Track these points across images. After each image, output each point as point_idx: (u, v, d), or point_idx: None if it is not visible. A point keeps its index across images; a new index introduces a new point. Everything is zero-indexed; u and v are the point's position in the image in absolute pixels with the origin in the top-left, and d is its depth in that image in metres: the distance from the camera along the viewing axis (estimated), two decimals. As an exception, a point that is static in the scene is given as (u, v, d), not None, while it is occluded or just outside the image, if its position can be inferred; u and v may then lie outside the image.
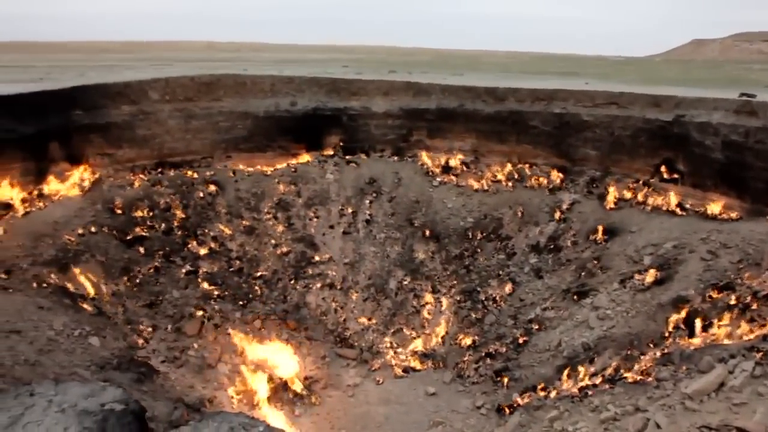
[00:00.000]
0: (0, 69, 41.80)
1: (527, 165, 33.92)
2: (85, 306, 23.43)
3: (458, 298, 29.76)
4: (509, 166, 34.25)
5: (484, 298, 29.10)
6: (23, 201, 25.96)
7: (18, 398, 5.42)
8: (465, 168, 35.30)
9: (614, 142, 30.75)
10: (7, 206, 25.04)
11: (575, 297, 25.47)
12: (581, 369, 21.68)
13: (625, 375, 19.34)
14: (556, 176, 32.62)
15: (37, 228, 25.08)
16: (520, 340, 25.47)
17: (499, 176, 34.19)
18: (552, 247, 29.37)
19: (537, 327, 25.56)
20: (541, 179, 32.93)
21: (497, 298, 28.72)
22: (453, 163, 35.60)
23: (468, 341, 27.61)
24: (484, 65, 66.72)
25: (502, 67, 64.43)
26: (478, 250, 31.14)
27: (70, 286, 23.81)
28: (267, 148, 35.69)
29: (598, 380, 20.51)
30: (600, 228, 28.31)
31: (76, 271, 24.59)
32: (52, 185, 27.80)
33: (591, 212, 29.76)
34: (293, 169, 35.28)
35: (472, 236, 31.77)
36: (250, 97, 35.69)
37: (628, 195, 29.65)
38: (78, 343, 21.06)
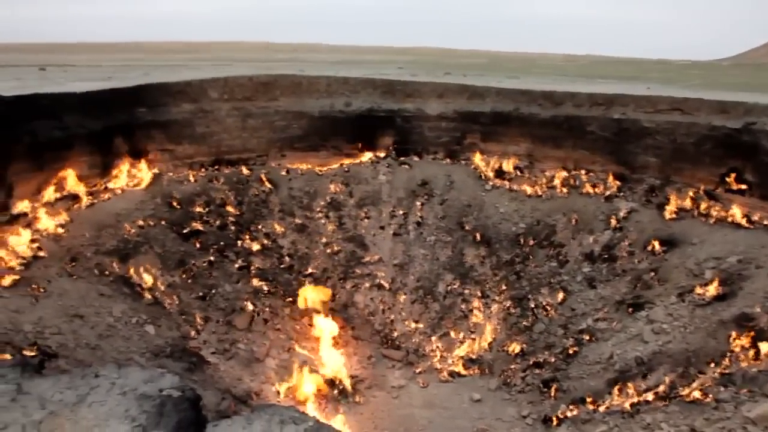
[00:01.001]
0: (72, 68, 43.87)
1: (583, 171, 33.11)
2: (142, 295, 24.33)
3: (507, 305, 29.32)
4: (564, 172, 33.50)
5: (534, 306, 28.56)
6: (88, 193, 27.12)
7: (84, 379, 5.68)
8: (518, 173, 34.78)
9: (676, 149, 29.63)
10: (75, 197, 26.23)
11: (629, 309, 24.70)
12: (633, 384, 21.02)
13: (681, 393, 18.64)
14: (613, 184, 31.70)
15: (101, 219, 26.19)
16: (570, 351, 24.89)
17: (554, 182, 33.49)
18: (606, 256, 28.57)
19: (588, 338, 24.91)
20: (597, 186, 32.08)
21: (548, 306, 28.13)
22: (506, 167, 35.12)
23: (516, 349, 27.15)
24: (540, 68, 65.59)
25: (560, 70, 63.17)
26: (530, 257, 30.60)
27: (129, 275, 24.76)
28: (321, 148, 36.14)
29: (650, 397, 19.85)
30: (658, 238, 27.36)
31: (135, 261, 25.52)
32: (115, 179, 28.95)
33: (649, 222, 28.79)
34: (346, 169, 35.62)
35: (523, 242, 31.26)
36: (305, 97, 36.23)
37: (689, 205, 28.53)
38: (135, 331, 21.92)
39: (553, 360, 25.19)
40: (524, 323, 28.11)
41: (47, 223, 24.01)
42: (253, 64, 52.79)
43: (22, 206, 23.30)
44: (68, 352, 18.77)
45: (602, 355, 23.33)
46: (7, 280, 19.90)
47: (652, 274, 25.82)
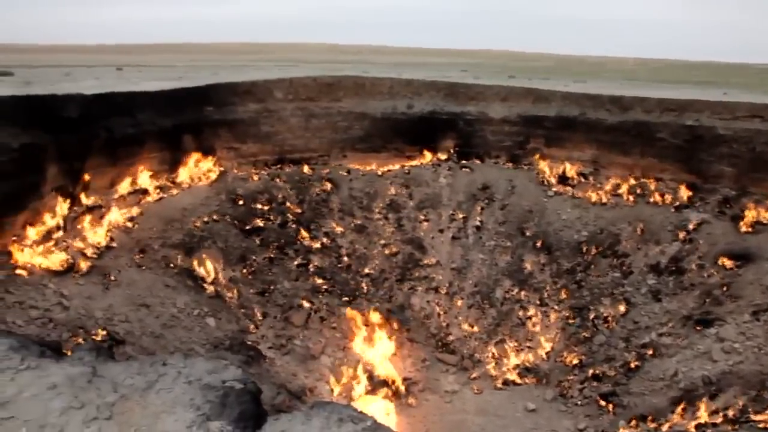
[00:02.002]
0: (147, 68, 45.83)
1: (651, 180, 31.81)
2: (204, 288, 25.11)
3: (567, 314, 28.55)
4: (631, 180, 32.30)
5: (594, 317, 27.70)
6: (157, 188, 28.23)
7: (153, 366, 5.92)
8: (583, 179, 33.83)
9: (755, 159, 28.01)
10: (145, 191, 27.37)
11: (697, 325, 23.56)
12: (700, 404, 20.04)
13: (754, 418, 17.63)
14: (684, 193, 30.31)
15: (168, 213, 27.21)
16: (632, 365, 23.98)
17: (620, 190, 32.35)
18: (674, 268, 27.36)
19: (651, 353, 23.93)
20: (666, 196, 30.78)
21: (609, 317, 27.21)
22: (570, 173, 34.22)
23: (574, 360, 26.40)
24: (609, 72, 63.66)
25: (630, 74, 61.13)
26: (592, 266, 29.68)
27: (193, 268, 25.60)
28: (382, 150, 36.29)
29: (719, 419, 18.92)
30: (731, 252, 25.98)
31: (199, 255, 26.37)
32: (183, 174, 30.01)
33: (722, 234, 27.38)
34: (406, 171, 35.62)
35: (585, 251, 30.35)
36: (368, 98, 36.48)
37: (767, 218, 26.95)
38: (196, 322, 22.68)
39: (613, 374, 24.35)
40: (584, 334, 27.30)
41: (119, 215, 25.14)
42: (317, 65, 53.67)
43: (96, 199, 24.47)
44: (134, 339, 19.61)
45: (666, 372, 22.38)
46: (83, 268, 20.96)
47: (724, 289, 24.55)
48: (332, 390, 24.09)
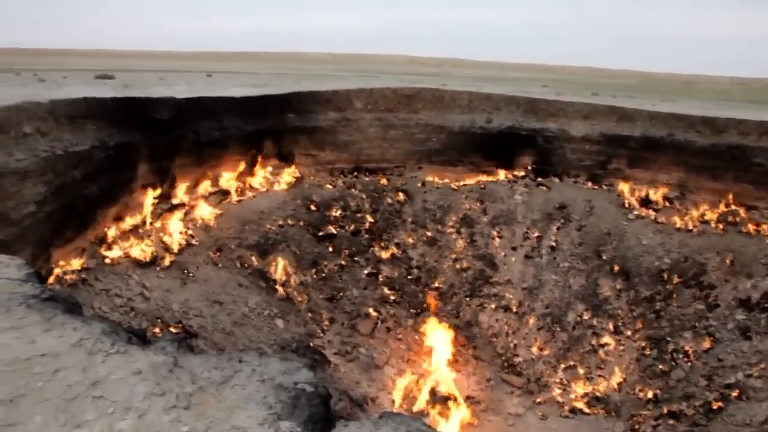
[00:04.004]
0: (234, 75, 47.77)
1: (744, 208, 29.85)
2: (276, 290, 25.71)
3: (643, 345, 27.16)
4: (722, 207, 30.43)
5: (673, 350, 26.18)
6: (237, 190, 29.23)
7: (230, 362, 6.07)
8: (667, 203, 32.19)
9: None
10: (226, 193, 28.41)
11: (792, 368, 21.81)
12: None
13: None
14: (781, 225, 28.25)
15: (246, 215, 28.11)
16: (714, 406, 22.43)
17: (708, 217, 30.55)
18: (767, 305, 25.49)
19: (736, 394, 22.30)
20: (761, 226, 28.76)
21: (690, 352, 25.63)
22: (654, 196, 32.65)
23: (648, 394, 25.02)
24: (701, 92, 60.61)
25: (724, 94, 57.96)
26: (673, 296, 28.12)
27: (266, 270, 26.28)
28: (458, 163, 36.02)
29: (813, 472, 17.36)
30: (834, 292, 23.94)
31: (273, 257, 27.05)
32: (261, 178, 30.94)
33: (824, 272, 25.30)
34: (482, 186, 35.14)
35: (667, 279, 28.81)
36: (447, 111, 36.33)
37: None
38: (266, 322, 23.25)
39: (692, 413, 22.87)
40: (660, 367, 25.85)
41: (200, 214, 26.21)
42: (397, 76, 54.15)
43: (181, 197, 25.62)
44: (207, 334, 20.36)
45: (754, 417, 20.78)
46: (164, 262, 21.98)
47: (824, 331, 22.62)
48: (394, 401, 23.99)
